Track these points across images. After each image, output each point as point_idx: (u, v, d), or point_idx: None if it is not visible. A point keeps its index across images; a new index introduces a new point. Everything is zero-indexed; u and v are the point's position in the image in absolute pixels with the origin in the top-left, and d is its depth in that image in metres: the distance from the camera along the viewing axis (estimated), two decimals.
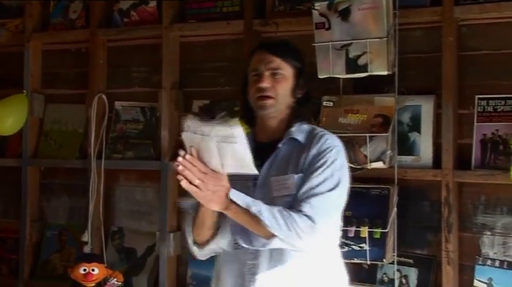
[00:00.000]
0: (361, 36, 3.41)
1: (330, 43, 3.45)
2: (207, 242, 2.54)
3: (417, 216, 3.60)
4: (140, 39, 4.44)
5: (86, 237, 4.41)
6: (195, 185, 2.22)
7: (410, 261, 3.61)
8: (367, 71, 3.40)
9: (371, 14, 3.41)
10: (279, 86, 2.62)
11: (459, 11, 3.45)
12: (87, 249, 4.37)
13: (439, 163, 3.50)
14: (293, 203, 2.43)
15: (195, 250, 2.58)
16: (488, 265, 3.44)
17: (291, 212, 2.37)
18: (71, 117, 4.70)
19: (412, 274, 3.60)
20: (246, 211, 2.33)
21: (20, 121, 4.55)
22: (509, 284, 3.36)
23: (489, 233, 3.48)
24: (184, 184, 2.23)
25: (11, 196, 4.89)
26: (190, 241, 2.57)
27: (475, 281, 3.46)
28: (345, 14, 3.47)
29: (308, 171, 2.49)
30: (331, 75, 3.50)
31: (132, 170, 4.47)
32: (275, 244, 2.39)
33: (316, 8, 3.54)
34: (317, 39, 3.53)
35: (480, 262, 3.47)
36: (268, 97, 2.60)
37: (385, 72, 3.42)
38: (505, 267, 3.37)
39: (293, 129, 2.63)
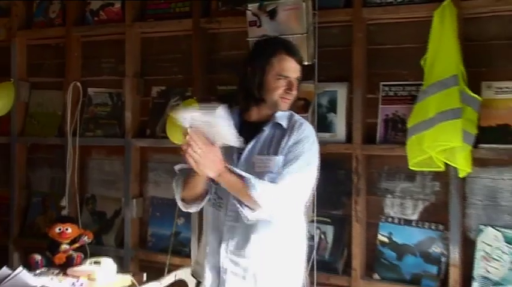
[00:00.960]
0: (285, 32, 3.47)
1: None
2: (194, 202, 2.65)
3: (333, 183, 3.68)
4: (108, 35, 4.49)
5: (64, 202, 4.50)
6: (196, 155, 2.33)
7: (328, 220, 3.71)
8: None
9: (293, 14, 3.52)
10: (296, 91, 2.67)
11: (366, 12, 3.56)
12: (65, 212, 4.46)
13: (351, 139, 3.61)
14: (273, 180, 2.48)
15: (181, 204, 2.68)
16: (389, 222, 3.56)
17: (274, 186, 2.45)
18: (51, 102, 4.75)
19: (329, 230, 3.71)
20: (236, 179, 2.43)
21: (8, 105, 4.61)
22: (405, 237, 3.49)
23: (390, 196, 3.60)
24: (188, 156, 2.34)
25: (1, 168, 4.94)
26: (178, 198, 2.66)
27: (379, 235, 3.58)
28: (272, 14, 3.58)
29: (288, 156, 2.53)
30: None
31: (101, 146, 4.55)
32: (258, 215, 2.46)
33: (249, 8, 3.65)
34: (250, 35, 3.63)
35: (383, 220, 3.59)
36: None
37: (306, 63, 3.44)
38: (402, 224, 3.51)
39: (278, 115, 2.64)
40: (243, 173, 2.45)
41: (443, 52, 3.21)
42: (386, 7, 3.54)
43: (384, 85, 3.61)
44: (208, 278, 2.71)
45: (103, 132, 4.50)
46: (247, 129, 2.65)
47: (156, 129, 4.29)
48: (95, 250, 4.12)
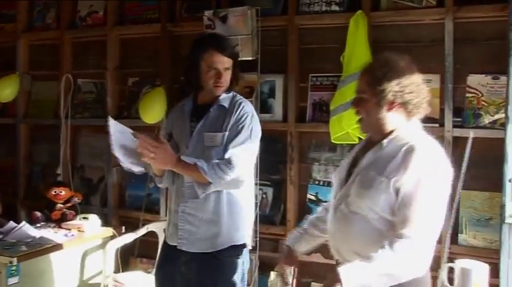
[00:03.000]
0: (234, 34, 3.37)
1: None
2: (162, 177, 2.54)
3: (272, 154, 3.56)
4: (93, 37, 4.26)
5: (59, 170, 4.30)
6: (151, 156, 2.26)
7: (268, 183, 3.60)
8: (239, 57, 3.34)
9: (241, 19, 3.41)
10: (228, 77, 2.52)
11: (298, 19, 3.45)
12: (60, 178, 4.25)
13: (286, 118, 3.50)
14: (220, 153, 2.40)
15: (156, 180, 2.60)
16: (315, 184, 3.47)
17: (220, 163, 2.35)
18: (49, 90, 4.50)
19: (269, 191, 3.60)
20: (190, 166, 2.34)
21: (14, 93, 4.36)
22: (328, 195, 3.35)
23: (317, 163, 3.50)
24: (144, 157, 2.27)
25: (10, 144, 4.68)
26: (151, 174, 2.57)
27: (308, 194, 3.49)
28: (224, 19, 3.45)
29: (231, 131, 2.43)
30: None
31: (89, 125, 4.32)
32: (211, 189, 2.39)
33: (205, 15, 3.50)
34: None
35: (311, 183, 3.50)
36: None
37: (251, 58, 3.41)
38: (325, 185, 3.40)
39: (221, 97, 2.53)
40: (193, 160, 2.36)
41: (357, 51, 3.18)
42: (314, 15, 3.42)
43: (312, 76, 3.50)
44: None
45: (90, 114, 4.28)
46: (198, 111, 2.56)
47: (131, 111, 4.11)
48: (84, 209, 3.91)
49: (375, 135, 1.98)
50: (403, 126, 1.92)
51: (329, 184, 3.33)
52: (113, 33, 4.09)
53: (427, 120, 3.09)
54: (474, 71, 3.10)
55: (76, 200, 3.80)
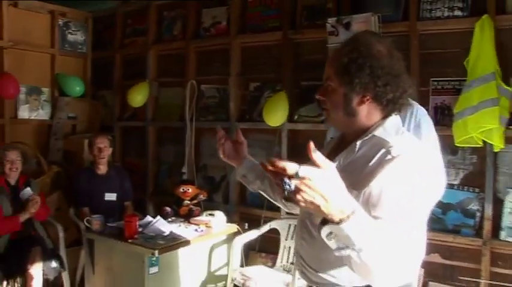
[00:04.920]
0: None
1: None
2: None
3: None
4: (216, 45, 4.34)
5: (185, 169, 4.43)
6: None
7: None
8: None
9: (364, 26, 3.30)
10: None
11: (420, 25, 3.34)
12: (184, 177, 4.39)
13: None
14: None
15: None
16: None
17: None
18: (175, 96, 4.64)
19: None
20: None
21: (144, 98, 4.58)
22: (448, 197, 3.25)
23: None
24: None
25: (139, 145, 4.90)
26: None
27: None
28: (347, 25, 3.38)
29: None
30: None
31: (212, 128, 4.32)
32: None
33: (328, 22, 3.46)
34: (329, 42, 3.44)
35: None
36: None
37: None
38: (446, 187, 3.17)
39: None
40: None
41: (483, 55, 3.02)
42: (436, 21, 3.28)
43: (433, 80, 3.34)
44: None
45: (213, 117, 4.36)
46: None
47: (253, 115, 4.13)
48: (207, 205, 4.01)
49: (346, 131, 1.60)
50: (379, 124, 1.51)
51: (450, 186, 3.24)
52: (235, 42, 4.16)
53: None
54: None
55: (202, 197, 3.89)
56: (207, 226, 3.52)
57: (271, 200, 1.97)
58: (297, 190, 1.14)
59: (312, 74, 3.76)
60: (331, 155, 1.58)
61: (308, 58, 3.85)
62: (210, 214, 3.68)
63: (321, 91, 1.56)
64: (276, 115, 3.72)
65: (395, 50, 1.51)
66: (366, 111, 1.51)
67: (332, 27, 3.43)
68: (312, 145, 1.15)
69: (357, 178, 1.41)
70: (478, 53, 3.04)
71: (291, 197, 1.15)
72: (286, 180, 1.14)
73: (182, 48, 4.51)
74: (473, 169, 3.23)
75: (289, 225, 3.67)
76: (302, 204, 1.15)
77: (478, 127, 2.94)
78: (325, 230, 1.22)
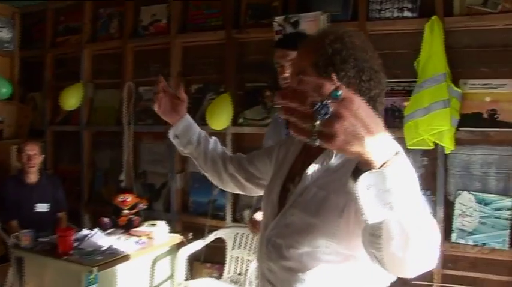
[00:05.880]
0: None
1: None
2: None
3: None
4: (156, 45, 4.02)
5: (122, 176, 4.10)
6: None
7: None
8: None
9: (313, 24, 3.12)
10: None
11: (370, 25, 3.19)
12: (123, 184, 4.07)
13: None
14: None
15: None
16: None
17: None
18: (111, 98, 4.30)
19: None
20: None
21: (78, 101, 4.23)
22: None
23: None
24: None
25: (73, 151, 4.51)
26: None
27: None
28: (295, 24, 3.19)
29: None
30: None
31: (150, 132, 4.09)
32: None
33: (275, 20, 3.26)
34: None
35: None
36: None
37: None
38: None
39: None
40: None
41: (433, 56, 2.93)
42: (386, 21, 3.15)
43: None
44: None
45: (152, 121, 4.03)
46: None
47: (195, 118, 3.79)
48: (148, 214, 3.69)
49: None
50: None
51: None
52: (176, 41, 3.87)
53: (504, 124, 2.97)
54: None
55: (142, 206, 3.58)
56: (148, 238, 3.22)
57: (202, 171, 1.76)
58: (338, 116, 0.80)
59: (257, 75, 3.55)
60: (297, 164, 1.38)
61: (253, 58, 3.63)
62: (151, 224, 3.38)
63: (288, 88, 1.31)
64: (220, 118, 3.48)
65: (371, 45, 1.32)
66: None
67: (279, 26, 3.23)
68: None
69: (338, 184, 1.19)
70: (429, 54, 2.94)
71: (324, 130, 0.80)
72: (325, 102, 0.79)
73: (119, 48, 4.17)
74: (424, 171, 3.12)
75: (236, 234, 3.43)
76: (340, 138, 0.80)
77: (429, 129, 2.84)
78: (364, 180, 0.87)
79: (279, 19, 3.23)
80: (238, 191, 1.74)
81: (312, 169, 1.30)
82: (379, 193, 0.87)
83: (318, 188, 1.26)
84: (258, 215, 2.25)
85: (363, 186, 0.88)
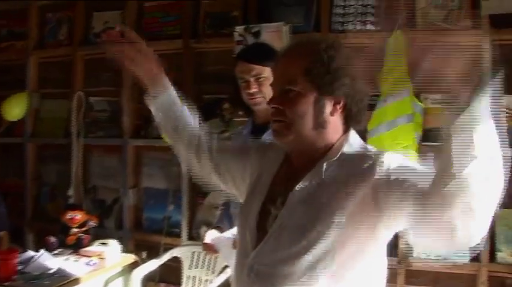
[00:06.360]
0: None
1: None
2: None
3: None
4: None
5: (71, 192, 3.82)
6: None
7: None
8: None
9: (276, 35, 3.01)
10: (264, 87, 2.05)
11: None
12: (71, 200, 3.79)
13: None
14: None
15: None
16: None
17: None
18: (59, 108, 4.01)
19: None
20: None
21: (22, 111, 3.95)
22: None
23: None
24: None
25: (16, 164, 4.17)
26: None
27: None
28: (257, 35, 3.07)
29: None
30: None
31: (102, 145, 3.85)
32: None
33: (236, 30, 3.14)
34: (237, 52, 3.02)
35: None
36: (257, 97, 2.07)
37: None
38: None
39: None
40: None
41: (397, 69, 2.84)
42: (348, 34, 3.05)
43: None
44: None
45: (104, 133, 3.80)
46: (258, 131, 2.10)
47: (149, 130, 3.62)
48: (98, 232, 3.43)
49: (299, 150, 1.28)
50: (343, 140, 1.25)
51: None
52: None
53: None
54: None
55: (92, 223, 3.35)
56: (100, 258, 2.98)
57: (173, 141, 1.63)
58: None
59: (215, 87, 3.39)
60: (278, 184, 1.30)
61: (211, 69, 3.48)
62: (102, 243, 3.15)
63: (277, 99, 1.26)
64: None
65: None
66: (334, 123, 1.26)
67: (240, 36, 3.11)
68: None
69: (334, 192, 1.18)
70: (392, 68, 2.88)
71: None
72: None
73: (68, 55, 3.90)
74: None
75: (193, 252, 3.25)
76: None
77: (394, 144, 2.79)
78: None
79: (239, 29, 3.10)
80: (214, 180, 1.56)
81: (299, 188, 1.23)
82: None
83: (306, 206, 1.20)
84: (211, 236, 2.09)
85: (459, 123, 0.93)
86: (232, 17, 3.34)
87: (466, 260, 2.88)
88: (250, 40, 3.05)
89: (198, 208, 3.50)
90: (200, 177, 1.58)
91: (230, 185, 1.51)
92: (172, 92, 1.60)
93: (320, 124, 1.24)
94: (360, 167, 1.19)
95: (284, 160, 1.35)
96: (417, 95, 2.95)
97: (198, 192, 3.51)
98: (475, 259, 2.91)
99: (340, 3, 3.12)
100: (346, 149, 1.25)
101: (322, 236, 1.15)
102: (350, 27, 3.08)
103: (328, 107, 1.23)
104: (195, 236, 3.45)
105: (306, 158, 1.27)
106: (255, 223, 1.27)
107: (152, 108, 1.60)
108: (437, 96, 2.96)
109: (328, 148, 1.26)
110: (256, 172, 1.40)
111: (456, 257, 2.87)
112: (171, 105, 1.59)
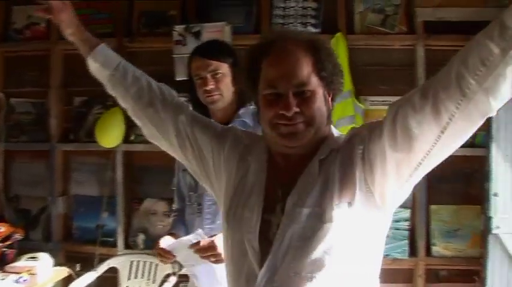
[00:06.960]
0: None
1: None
2: None
3: None
4: (32, 51, 3.48)
5: None
6: None
7: None
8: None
9: (217, 35, 2.90)
10: (222, 84, 1.94)
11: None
12: None
13: None
14: None
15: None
16: None
17: None
18: None
19: None
20: None
21: None
22: None
23: None
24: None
25: None
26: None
27: None
28: (197, 35, 2.97)
29: None
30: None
31: (26, 150, 3.54)
32: None
33: (175, 29, 3.01)
34: (176, 52, 3.01)
35: None
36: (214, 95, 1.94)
37: None
38: None
39: (240, 112, 1.97)
40: None
41: None
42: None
43: None
44: None
45: (28, 137, 3.50)
46: None
47: (79, 134, 3.42)
48: (24, 246, 3.13)
49: (300, 152, 1.22)
50: (329, 133, 1.24)
51: None
52: (57, 48, 3.38)
53: None
54: None
55: (17, 236, 3.06)
56: (30, 274, 2.72)
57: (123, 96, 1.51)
58: None
59: None
60: (273, 189, 1.23)
61: (147, 70, 3.25)
62: (31, 258, 2.88)
63: (295, 102, 1.15)
64: (111, 135, 3.12)
65: None
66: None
67: (179, 36, 2.98)
68: None
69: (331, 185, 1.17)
70: None
71: None
72: None
73: None
74: None
75: (131, 262, 3.07)
76: None
77: None
78: None
79: (179, 28, 2.98)
80: (168, 141, 1.45)
81: (296, 191, 1.18)
82: None
83: (308, 208, 1.15)
84: (166, 242, 1.96)
85: None
86: (170, 16, 3.21)
87: (405, 255, 3.01)
88: (190, 40, 2.93)
89: (134, 215, 3.34)
90: (150, 135, 1.47)
91: (188, 154, 1.39)
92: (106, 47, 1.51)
93: (329, 118, 1.24)
94: (347, 153, 1.18)
95: (268, 162, 1.27)
96: (357, 97, 3.01)
97: (134, 198, 3.37)
98: (413, 254, 3.04)
99: (280, 5, 3.11)
100: (332, 142, 1.23)
101: (332, 230, 1.14)
102: (291, 28, 3.05)
103: (328, 101, 1.23)
104: (131, 245, 3.28)
105: (297, 157, 1.22)
106: (257, 234, 1.18)
107: (96, 64, 1.49)
108: (376, 98, 3.08)
109: (320, 142, 1.23)
110: (233, 171, 1.31)
111: (396, 254, 2.98)
112: (115, 55, 1.52)
